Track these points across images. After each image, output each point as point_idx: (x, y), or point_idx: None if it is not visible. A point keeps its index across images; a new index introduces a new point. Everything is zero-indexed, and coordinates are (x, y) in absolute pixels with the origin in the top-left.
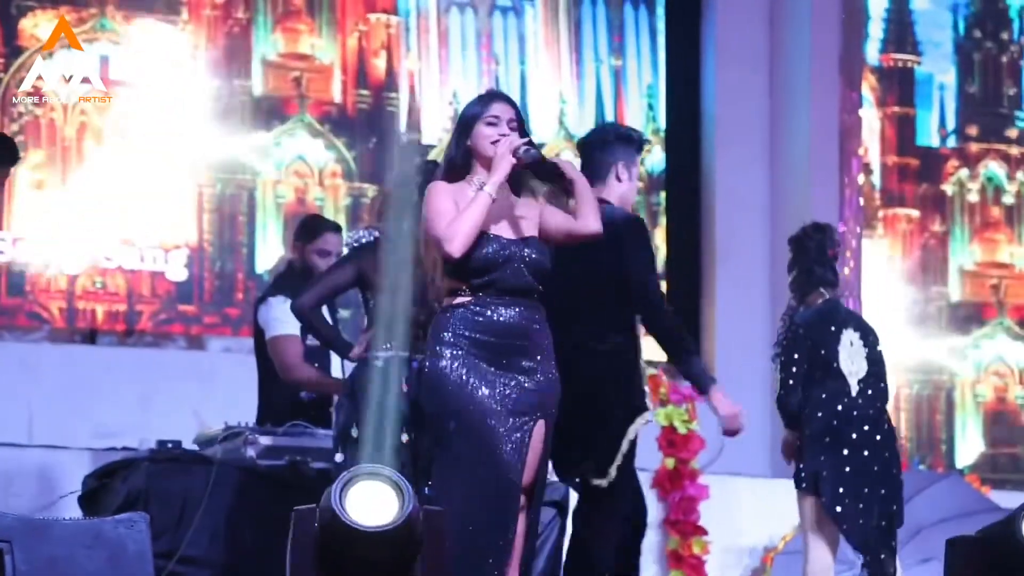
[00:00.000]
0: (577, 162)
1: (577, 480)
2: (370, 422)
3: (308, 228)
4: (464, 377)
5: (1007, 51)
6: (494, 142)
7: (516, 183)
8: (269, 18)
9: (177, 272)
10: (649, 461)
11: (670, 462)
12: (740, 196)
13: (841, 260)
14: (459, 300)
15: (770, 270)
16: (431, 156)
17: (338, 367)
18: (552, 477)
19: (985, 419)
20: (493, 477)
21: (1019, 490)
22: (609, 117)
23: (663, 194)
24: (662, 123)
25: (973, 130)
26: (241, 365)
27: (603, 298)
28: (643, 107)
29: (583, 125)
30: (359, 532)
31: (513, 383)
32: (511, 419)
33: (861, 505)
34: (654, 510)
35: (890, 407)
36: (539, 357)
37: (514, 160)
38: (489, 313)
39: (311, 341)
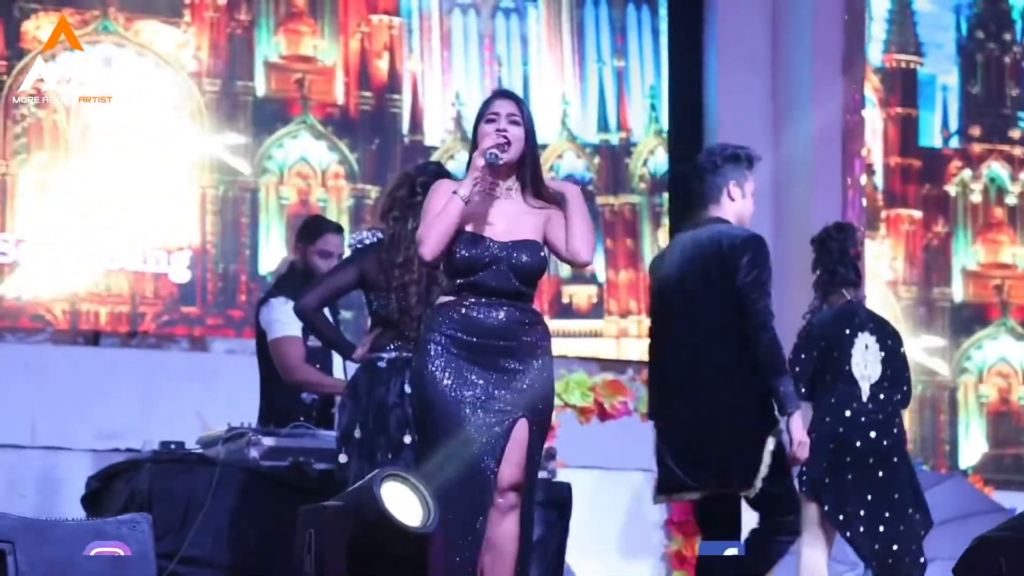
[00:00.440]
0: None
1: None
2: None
3: (309, 229)
4: (442, 372)
5: (1010, 52)
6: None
7: (535, 185)
8: (271, 20)
9: (180, 274)
10: (652, 462)
11: None
12: None
13: None
14: (446, 299)
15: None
16: (434, 157)
17: (339, 368)
18: (557, 478)
19: (988, 420)
20: (463, 470)
21: (1022, 491)
22: (611, 119)
23: (666, 195)
24: (664, 124)
25: (976, 131)
26: (244, 366)
27: (734, 319)
28: (646, 108)
29: (586, 126)
30: (402, 530)
31: (493, 381)
32: (488, 415)
33: (862, 512)
34: (657, 511)
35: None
36: (526, 358)
37: (482, 162)
38: (473, 313)
39: (312, 342)
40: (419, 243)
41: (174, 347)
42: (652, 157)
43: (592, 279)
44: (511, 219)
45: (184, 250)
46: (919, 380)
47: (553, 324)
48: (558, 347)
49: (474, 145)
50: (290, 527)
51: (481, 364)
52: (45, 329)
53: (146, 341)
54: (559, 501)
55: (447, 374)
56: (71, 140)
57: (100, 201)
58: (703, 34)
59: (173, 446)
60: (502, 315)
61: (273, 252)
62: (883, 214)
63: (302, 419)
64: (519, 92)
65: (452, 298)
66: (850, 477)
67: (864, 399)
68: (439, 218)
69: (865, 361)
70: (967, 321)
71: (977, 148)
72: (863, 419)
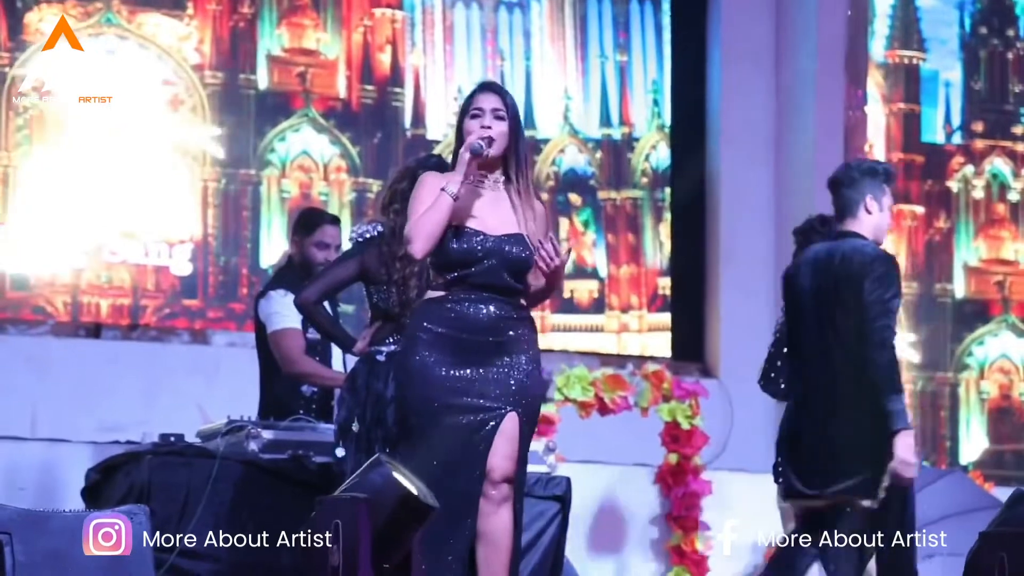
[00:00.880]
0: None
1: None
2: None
3: (306, 221)
4: (427, 367)
5: (1013, 48)
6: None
7: (520, 178)
8: (274, 13)
9: (181, 266)
10: (652, 457)
11: (673, 458)
12: (745, 192)
13: None
14: (434, 294)
15: (775, 266)
16: (436, 151)
17: (339, 361)
18: (556, 472)
19: (989, 415)
20: (451, 466)
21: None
22: (614, 113)
23: (668, 190)
24: (667, 120)
25: (979, 127)
26: (245, 359)
27: (862, 335)
28: (648, 103)
29: (588, 121)
30: (420, 507)
31: (482, 376)
32: (478, 410)
33: None
34: (656, 505)
35: None
36: (516, 353)
37: (468, 156)
38: (460, 308)
39: (312, 335)
40: (408, 240)
41: (175, 340)
42: (654, 152)
43: (593, 274)
44: (500, 213)
45: (185, 243)
46: (920, 376)
47: (554, 319)
48: (559, 342)
49: (459, 140)
50: (290, 519)
51: (470, 359)
52: (46, 321)
53: (147, 334)
54: (559, 495)
55: (432, 370)
56: (73, 132)
57: (102, 193)
58: (706, 29)
59: (173, 439)
60: (491, 310)
61: (274, 245)
62: None
63: (302, 412)
64: (521, 86)
65: (441, 293)
66: None
67: None
68: (428, 215)
69: None
70: (968, 317)
71: (979, 144)
72: None
